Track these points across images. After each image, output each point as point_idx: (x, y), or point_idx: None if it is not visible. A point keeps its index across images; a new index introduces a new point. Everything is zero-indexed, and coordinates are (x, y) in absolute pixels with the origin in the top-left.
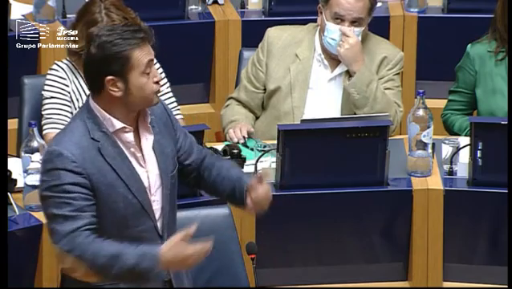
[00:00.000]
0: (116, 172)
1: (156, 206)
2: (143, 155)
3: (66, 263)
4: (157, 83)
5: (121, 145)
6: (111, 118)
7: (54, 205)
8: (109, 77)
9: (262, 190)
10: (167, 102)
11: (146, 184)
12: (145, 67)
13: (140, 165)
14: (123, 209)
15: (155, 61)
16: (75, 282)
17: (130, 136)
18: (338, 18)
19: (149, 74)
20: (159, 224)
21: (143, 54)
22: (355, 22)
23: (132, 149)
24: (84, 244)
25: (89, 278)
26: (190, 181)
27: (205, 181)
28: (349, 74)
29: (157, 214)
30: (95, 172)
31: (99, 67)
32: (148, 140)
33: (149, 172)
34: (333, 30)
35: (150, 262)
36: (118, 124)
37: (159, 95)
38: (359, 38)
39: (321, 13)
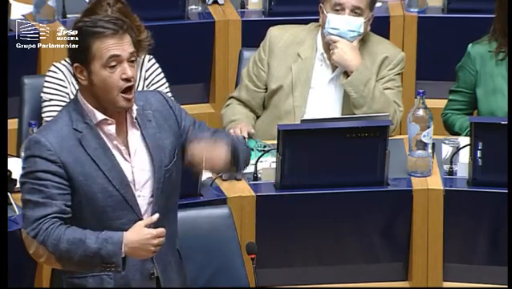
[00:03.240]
0: (96, 164)
1: (143, 201)
2: (128, 149)
3: (30, 248)
4: (127, 80)
5: (104, 137)
6: (94, 110)
7: (27, 191)
8: (76, 64)
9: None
10: None
11: (130, 178)
12: (107, 60)
13: (125, 159)
14: (102, 201)
15: (153, 62)
16: (65, 277)
17: (112, 129)
18: (338, 7)
19: (114, 68)
20: (145, 217)
21: (106, 47)
22: (354, 12)
23: (115, 142)
24: (48, 230)
25: (53, 264)
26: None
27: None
28: (347, 74)
29: (143, 209)
30: (71, 161)
31: (70, 53)
32: (134, 135)
33: (135, 168)
34: (333, 19)
35: (113, 247)
36: (100, 116)
37: None
38: (361, 30)
39: (322, 12)
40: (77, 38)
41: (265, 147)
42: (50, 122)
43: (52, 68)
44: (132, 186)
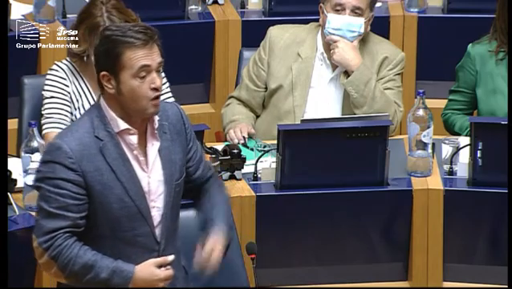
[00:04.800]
0: (115, 173)
1: (156, 212)
2: (147, 160)
3: (40, 259)
4: (155, 90)
5: (124, 147)
6: (117, 118)
7: (43, 198)
8: (103, 72)
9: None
10: None
11: (146, 189)
12: (137, 70)
13: (143, 170)
14: (118, 211)
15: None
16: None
17: (134, 139)
18: (338, 7)
19: (144, 78)
20: (157, 230)
21: (137, 57)
22: (355, 12)
23: (135, 152)
24: (61, 247)
25: (61, 279)
26: (186, 193)
27: (196, 202)
28: (348, 74)
29: (156, 221)
30: (91, 170)
31: (97, 61)
32: (153, 146)
33: (151, 178)
34: (333, 19)
35: (121, 280)
36: (122, 125)
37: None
38: (362, 30)
39: (322, 12)
40: (105, 47)
41: (265, 147)
42: (71, 127)
43: (54, 67)
44: (148, 197)
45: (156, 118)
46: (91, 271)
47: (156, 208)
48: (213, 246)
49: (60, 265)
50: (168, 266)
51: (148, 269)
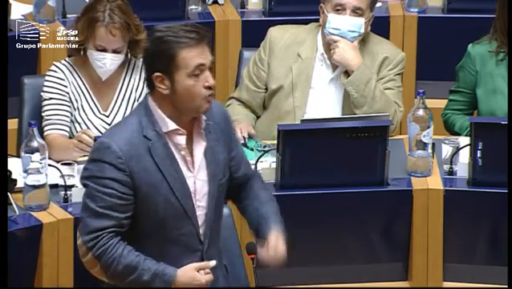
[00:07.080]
0: (162, 174)
1: (200, 212)
2: (193, 160)
3: (84, 257)
4: (209, 88)
5: (172, 147)
6: (166, 118)
7: (90, 196)
8: (156, 74)
9: (275, 254)
10: None
11: (192, 189)
12: (193, 69)
13: (189, 170)
14: (164, 211)
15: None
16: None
17: (182, 140)
18: (339, 8)
19: (198, 77)
20: (201, 230)
21: (191, 56)
22: (355, 12)
23: (183, 153)
24: (106, 247)
25: (102, 277)
26: (229, 191)
27: (238, 201)
28: (348, 74)
29: (201, 220)
30: (139, 170)
31: (149, 62)
32: (200, 146)
33: (197, 178)
34: (334, 19)
35: (163, 284)
36: (171, 126)
37: None
38: (362, 30)
39: (322, 12)
40: (158, 48)
41: (265, 147)
42: (118, 126)
43: (53, 68)
44: (193, 197)
45: (203, 118)
46: (134, 273)
47: (201, 207)
48: (277, 242)
49: (104, 264)
50: (208, 271)
51: (190, 273)
